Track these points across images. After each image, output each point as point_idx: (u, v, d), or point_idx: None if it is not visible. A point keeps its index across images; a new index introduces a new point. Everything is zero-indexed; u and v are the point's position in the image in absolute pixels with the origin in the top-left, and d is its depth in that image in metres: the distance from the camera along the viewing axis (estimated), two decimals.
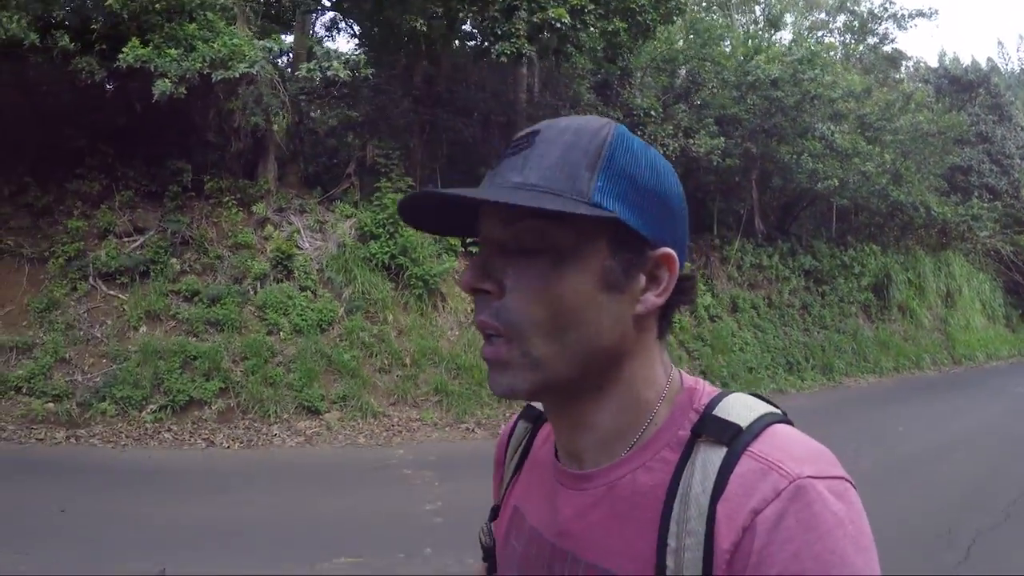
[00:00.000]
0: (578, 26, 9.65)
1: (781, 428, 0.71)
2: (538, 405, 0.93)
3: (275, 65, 9.95)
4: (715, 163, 13.01)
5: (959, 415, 11.08)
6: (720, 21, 18.20)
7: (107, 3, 8.20)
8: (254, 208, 9.89)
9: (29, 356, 8.06)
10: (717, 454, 0.69)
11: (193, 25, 8.68)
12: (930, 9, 22.96)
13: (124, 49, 8.16)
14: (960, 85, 22.47)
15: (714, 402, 0.74)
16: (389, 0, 10.44)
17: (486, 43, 10.72)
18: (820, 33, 23.44)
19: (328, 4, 12.84)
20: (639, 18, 10.55)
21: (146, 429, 7.32)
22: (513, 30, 9.29)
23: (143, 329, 8.63)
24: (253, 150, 10.81)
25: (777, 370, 13.67)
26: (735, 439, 0.69)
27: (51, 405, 7.58)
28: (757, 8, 20.91)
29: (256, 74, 8.93)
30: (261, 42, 9.42)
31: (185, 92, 8.36)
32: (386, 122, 11.34)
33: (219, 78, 8.64)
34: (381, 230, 9.89)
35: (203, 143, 10.93)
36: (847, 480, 0.67)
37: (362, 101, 10.88)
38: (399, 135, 11.28)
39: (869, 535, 0.64)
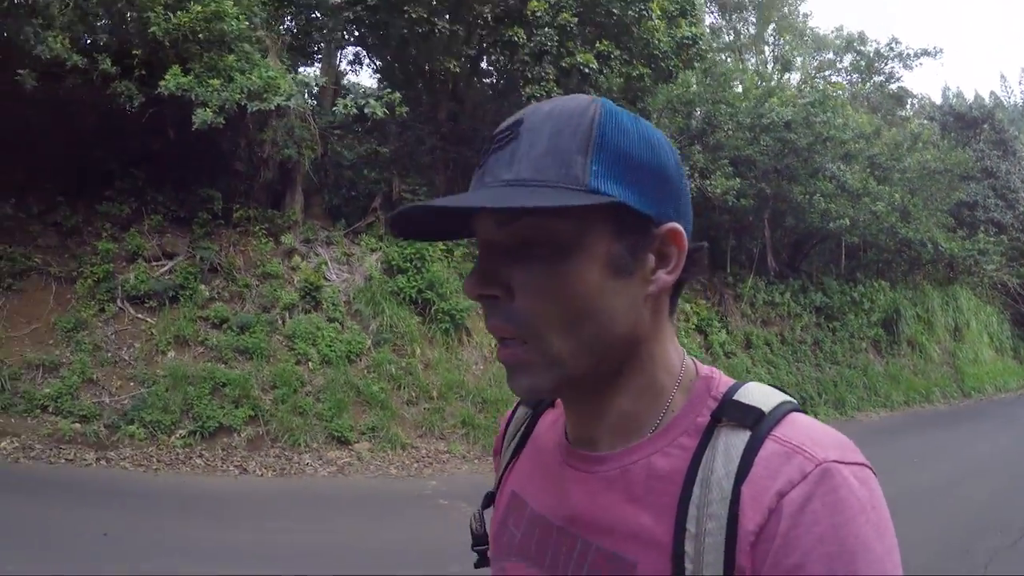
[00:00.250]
0: (604, 71, 9.92)
1: (801, 416, 0.71)
2: None
3: (310, 99, 10.15)
4: (730, 203, 13.25)
5: (970, 446, 11.28)
6: (731, 64, 18.57)
7: (150, 30, 8.38)
8: (282, 239, 10.06)
9: (56, 375, 8.12)
10: (740, 438, 0.68)
11: (232, 56, 8.91)
12: (935, 48, 23.25)
13: (167, 76, 8.34)
14: (965, 122, 22.86)
15: (733, 389, 0.74)
16: (415, 39, 10.72)
17: (502, 81, 10.99)
18: (827, 72, 23.89)
19: (351, 39, 13.17)
20: (662, 64, 10.87)
21: (177, 454, 7.39)
22: (543, 74, 9.52)
23: (171, 354, 8.75)
24: (280, 181, 11.04)
25: None
26: (758, 423, 0.68)
27: (78, 425, 7.59)
28: (767, 48, 21.36)
29: (291, 107, 9.14)
30: (299, 76, 9.64)
31: (224, 122, 8.57)
32: (411, 158, 11.57)
33: (254, 109, 8.85)
34: (408, 264, 10.10)
35: (231, 172, 11.15)
36: (869, 467, 0.67)
37: (391, 137, 11.10)
38: (425, 171, 11.54)
39: (890, 522, 0.65)
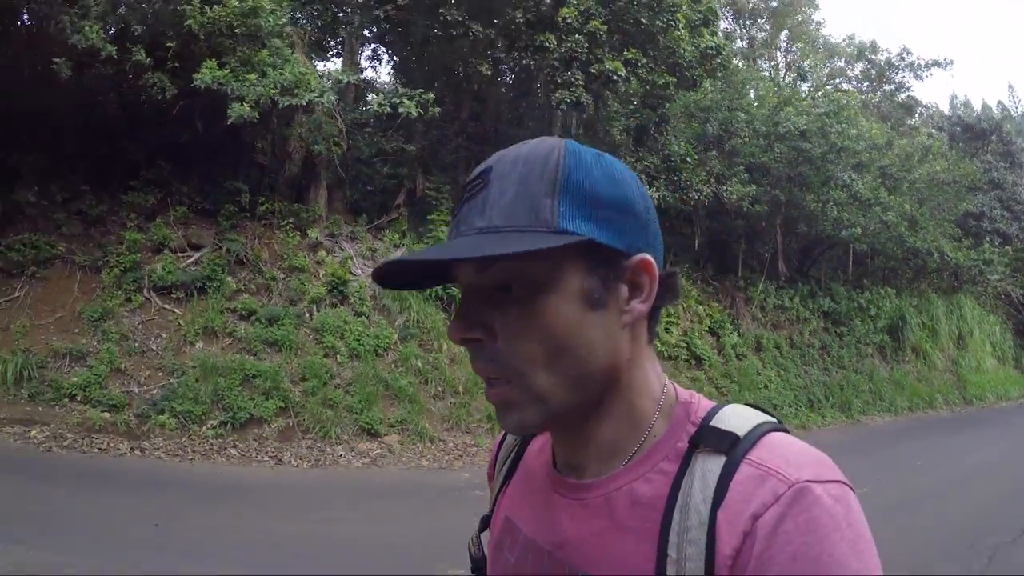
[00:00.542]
0: (631, 78, 10.05)
1: (778, 436, 0.71)
2: None
3: (339, 95, 10.19)
4: (745, 209, 13.40)
5: (971, 451, 11.53)
6: (744, 70, 18.71)
7: (186, 22, 8.38)
8: (309, 232, 10.11)
9: (83, 364, 8.12)
10: (716, 463, 0.69)
11: (265, 51, 8.94)
12: (945, 59, 23.44)
13: (203, 70, 8.36)
14: (973, 133, 23.10)
15: (710, 414, 0.75)
16: (438, 39, 10.82)
17: (520, 81, 11.07)
18: (838, 80, 24.07)
19: (368, 35, 13.24)
20: (686, 73, 11.03)
21: (211, 444, 7.44)
22: (573, 79, 9.63)
23: (199, 344, 8.79)
24: (304, 175, 11.09)
25: (800, 407, 14.00)
26: (733, 448, 0.69)
27: (107, 415, 7.59)
28: (779, 54, 21.51)
29: (321, 103, 9.18)
30: (333, 73, 9.68)
31: (258, 116, 8.61)
32: (434, 157, 11.64)
33: (285, 104, 8.90)
34: None
35: (256, 165, 11.18)
36: (845, 484, 0.67)
37: (416, 135, 11.18)
38: (448, 169, 11.60)
39: (868, 537, 0.65)
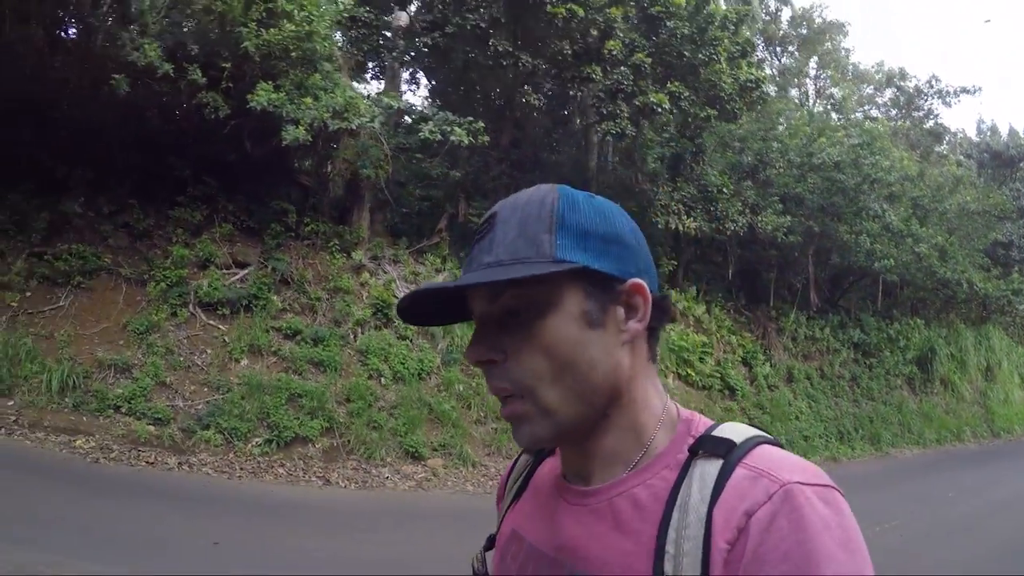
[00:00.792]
0: (674, 111, 10.17)
1: (771, 447, 0.77)
2: None
3: (389, 121, 10.31)
4: (779, 240, 13.40)
5: (1000, 484, 11.59)
6: (775, 99, 18.77)
7: (243, 44, 8.51)
8: (353, 254, 10.20)
9: (128, 376, 8.17)
10: (714, 466, 0.75)
11: (317, 75, 9.09)
12: (974, 86, 23.44)
13: (259, 92, 8.47)
14: (1002, 160, 22.96)
15: (711, 428, 0.81)
16: (479, 66, 10.96)
17: (554, 109, 11.17)
18: (867, 107, 24.07)
19: (409, 59, 13.39)
20: (727, 106, 11.12)
21: (259, 462, 7.49)
22: (617, 111, 9.75)
23: (244, 362, 8.86)
24: (347, 197, 11.19)
25: (830, 439, 13.96)
26: (729, 452, 0.75)
27: (152, 428, 7.63)
28: (808, 81, 21.58)
29: (373, 128, 9.30)
30: (384, 99, 9.82)
31: (311, 139, 8.71)
32: (475, 183, 11.75)
33: (335, 128, 9.02)
34: None
35: (298, 186, 11.32)
36: (835, 489, 0.71)
37: (460, 161, 11.30)
38: (490, 196, 11.73)
39: (858, 538, 0.68)
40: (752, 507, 0.69)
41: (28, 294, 8.76)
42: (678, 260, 13.60)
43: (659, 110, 10.15)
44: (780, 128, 16.04)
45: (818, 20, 23.68)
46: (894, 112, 23.92)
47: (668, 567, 0.71)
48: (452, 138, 9.38)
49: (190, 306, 9.23)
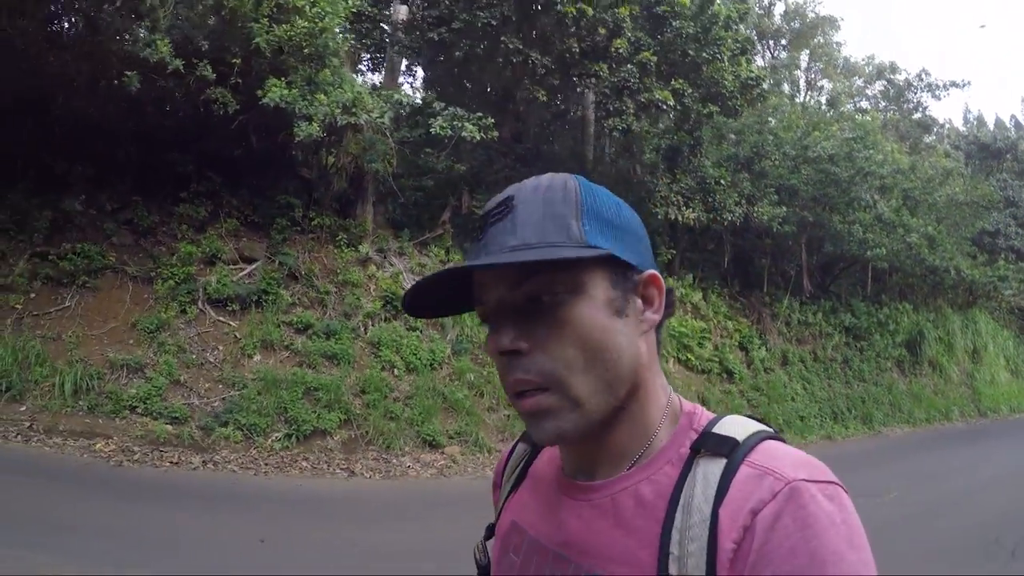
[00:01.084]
0: (678, 107, 10.37)
1: (774, 443, 0.75)
2: None
3: (396, 115, 10.32)
4: (775, 229, 13.69)
5: (988, 461, 12.04)
6: (769, 91, 19.05)
7: (254, 40, 8.45)
8: (360, 247, 10.27)
9: (141, 376, 8.08)
10: (717, 465, 0.73)
11: (327, 71, 9.07)
12: (963, 80, 23.95)
13: (272, 88, 8.43)
14: (989, 152, 23.50)
15: (712, 423, 0.79)
16: (475, 58, 11.05)
17: (563, 102, 11.34)
18: (856, 99, 24.44)
19: (412, 52, 13.42)
20: (728, 103, 11.35)
21: (282, 457, 7.52)
22: (623, 108, 9.91)
23: (257, 357, 8.85)
24: (351, 191, 11.23)
25: (824, 419, 14.37)
26: (733, 451, 0.73)
27: (170, 427, 7.55)
28: (799, 73, 21.85)
29: (383, 123, 9.34)
30: (395, 95, 9.88)
31: (323, 135, 8.70)
32: (477, 176, 11.86)
33: (343, 123, 9.05)
34: None
35: (301, 179, 11.31)
36: (839, 485, 0.70)
37: (465, 155, 11.40)
38: (492, 189, 11.82)
39: (862, 535, 0.67)
40: (757, 505, 0.68)
41: (32, 295, 8.66)
42: (676, 249, 13.88)
43: (664, 107, 10.38)
44: (772, 122, 16.32)
45: (811, 15, 24.08)
46: (883, 104, 24.29)
47: (673, 568, 0.70)
48: (464, 134, 9.46)
49: (199, 303, 9.18)
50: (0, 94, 9.12)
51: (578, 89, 10.78)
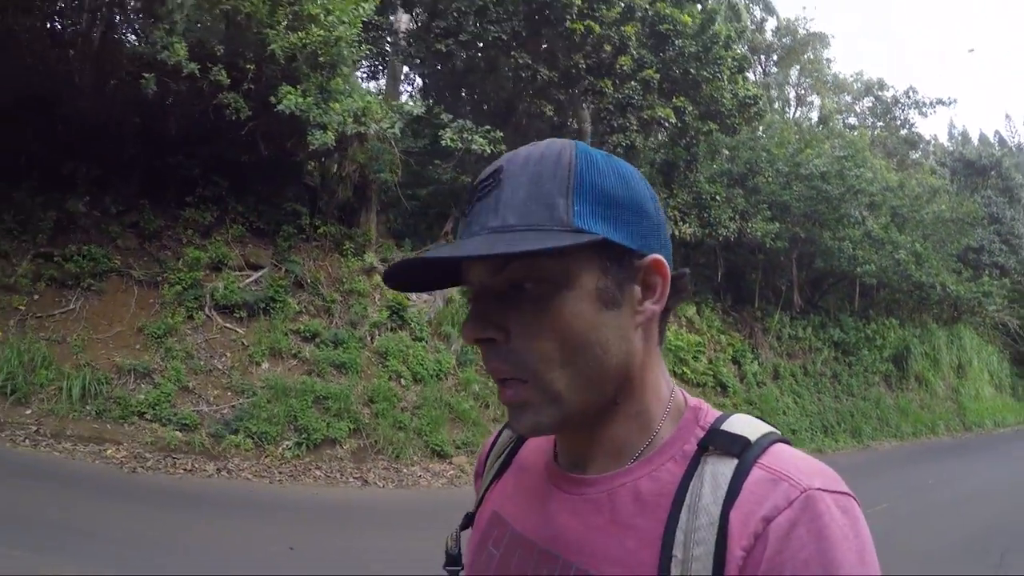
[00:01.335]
0: (679, 125, 10.61)
1: (785, 446, 0.72)
2: None
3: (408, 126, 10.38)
4: (767, 245, 13.97)
5: (974, 474, 12.51)
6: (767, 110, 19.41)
7: (270, 47, 8.44)
8: (364, 257, 10.35)
9: (148, 381, 8.03)
10: (727, 465, 0.69)
11: (338, 79, 9.08)
12: (949, 98, 24.49)
13: (288, 96, 8.43)
14: (974, 169, 24.05)
15: (720, 420, 0.75)
16: (477, 68, 11.22)
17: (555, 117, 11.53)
18: (844, 115, 24.88)
19: (415, 62, 13.53)
20: (727, 120, 11.62)
21: (293, 466, 7.55)
22: (627, 124, 10.13)
23: (265, 365, 8.86)
24: (355, 199, 11.29)
25: (815, 432, 14.70)
26: (745, 451, 0.69)
27: (179, 434, 7.53)
28: (789, 88, 22.24)
29: (389, 132, 9.43)
30: (404, 106, 9.98)
31: (336, 143, 8.79)
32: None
33: (352, 132, 9.12)
34: None
35: (304, 187, 11.37)
36: (852, 496, 0.68)
37: (468, 166, 11.52)
38: None
39: (872, 548, 0.65)
40: (771, 513, 0.64)
41: (36, 296, 8.54)
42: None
43: (666, 124, 10.64)
44: (763, 137, 16.63)
45: (802, 31, 24.55)
46: (871, 120, 24.78)
47: (675, 571, 0.66)
48: (473, 147, 9.58)
49: (206, 309, 9.11)
50: (5, 91, 9.02)
51: (584, 105, 10.96)
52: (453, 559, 0.94)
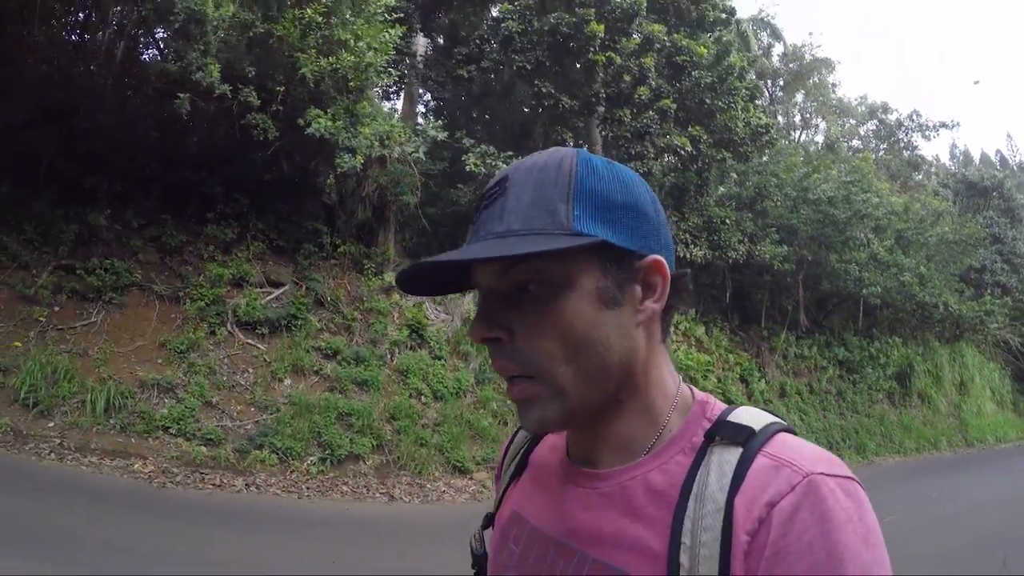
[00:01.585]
0: (694, 153, 10.89)
1: (789, 435, 0.74)
2: None
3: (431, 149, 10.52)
4: (775, 267, 14.22)
5: (976, 488, 12.71)
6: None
7: (300, 71, 8.58)
8: (384, 276, 10.52)
9: (172, 396, 8.06)
10: (733, 454, 0.71)
11: (365, 103, 9.27)
12: (952, 121, 24.86)
13: (317, 120, 8.56)
14: (976, 190, 24.37)
15: (726, 412, 0.77)
16: (495, 93, 11.48)
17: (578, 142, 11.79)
18: (848, 138, 25.20)
19: (424, 81, 13.82)
20: (740, 149, 11.93)
21: (319, 481, 7.66)
22: (644, 152, 10.40)
23: (288, 381, 8.97)
24: (373, 219, 11.47)
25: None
26: (749, 440, 0.71)
27: (204, 449, 7.56)
28: (795, 111, 22.56)
29: (413, 156, 9.62)
30: (428, 129, 10.18)
31: (362, 166, 8.93)
32: None
33: (376, 154, 9.30)
34: None
35: (323, 206, 11.53)
36: (856, 481, 0.68)
37: (483, 187, 11.72)
38: None
39: (878, 531, 0.66)
40: (774, 497, 0.66)
41: (57, 309, 8.58)
42: None
43: (682, 152, 10.95)
44: (771, 162, 16.90)
45: (808, 57, 24.92)
46: (874, 143, 25.11)
47: (684, 558, 0.68)
48: (497, 172, 9.73)
49: (228, 325, 9.18)
50: (24, 100, 9.09)
51: (601, 133, 11.25)
52: (478, 558, 0.97)
